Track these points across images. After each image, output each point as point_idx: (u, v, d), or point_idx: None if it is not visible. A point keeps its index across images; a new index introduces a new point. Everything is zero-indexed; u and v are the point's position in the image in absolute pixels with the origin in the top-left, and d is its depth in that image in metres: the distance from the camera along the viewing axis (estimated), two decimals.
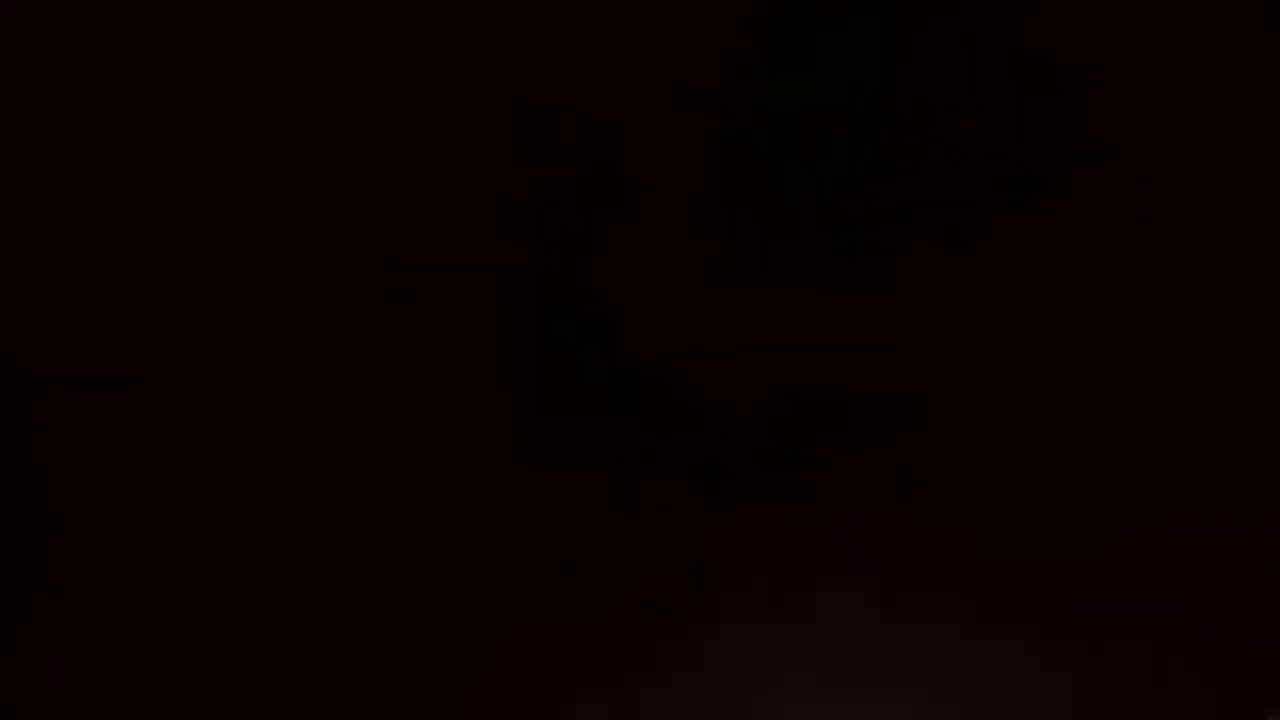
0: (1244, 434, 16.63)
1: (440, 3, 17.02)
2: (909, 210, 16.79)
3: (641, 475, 16.22)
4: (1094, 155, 17.08)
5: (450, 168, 16.95)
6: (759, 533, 16.17)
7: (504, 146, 16.78)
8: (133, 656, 16.16)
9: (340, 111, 17.08)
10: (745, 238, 16.69)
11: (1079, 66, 17.10)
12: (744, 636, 15.82)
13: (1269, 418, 16.68)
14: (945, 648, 16.15)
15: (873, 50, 16.89)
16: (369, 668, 16.13)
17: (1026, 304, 16.85)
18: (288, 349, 16.78)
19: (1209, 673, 16.15)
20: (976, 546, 16.34)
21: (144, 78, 17.16)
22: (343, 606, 16.24)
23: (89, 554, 16.35)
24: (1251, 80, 17.14)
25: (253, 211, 16.92)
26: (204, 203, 17.00)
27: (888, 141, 16.92)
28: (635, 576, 15.95)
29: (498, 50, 16.81)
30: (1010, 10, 17.08)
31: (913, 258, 16.79)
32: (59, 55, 17.13)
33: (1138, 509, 16.52)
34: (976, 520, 16.37)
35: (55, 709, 16.06)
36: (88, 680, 16.09)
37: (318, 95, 17.11)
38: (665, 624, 15.94)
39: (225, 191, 16.97)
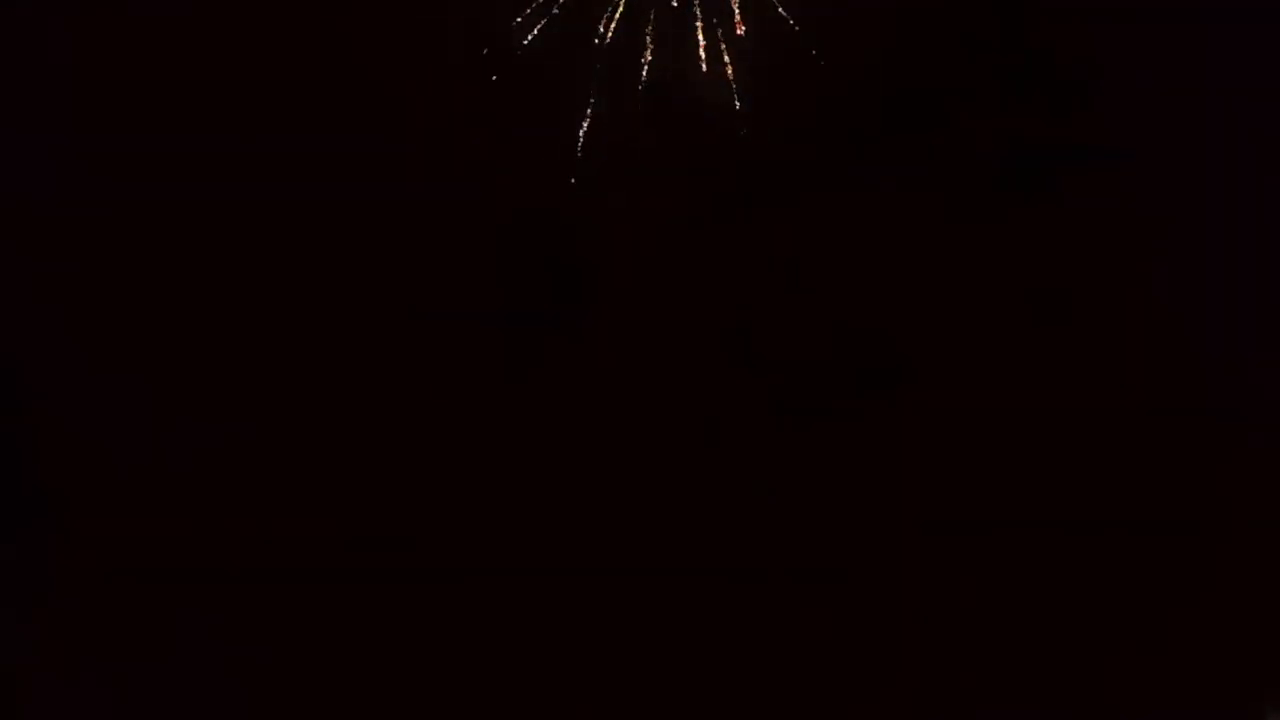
0: (1247, 429, 16.62)
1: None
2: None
3: None
4: (1095, 156, 17.09)
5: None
6: None
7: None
8: (133, 656, 16.15)
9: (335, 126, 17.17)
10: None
11: (1080, 66, 17.11)
12: None
13: (1270, 412, 16.68)
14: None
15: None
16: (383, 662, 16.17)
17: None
18: (284, 354, 16.80)
19: (1210, 672, 16.14)
20: (975, 543, 16.37)
21: (148, 86, 17.17)
22: (347, 619, 16.27)
23: (89, 554, 16.34)
24: (1253, 80, 17.14)
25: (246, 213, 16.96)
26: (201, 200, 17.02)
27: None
28: None
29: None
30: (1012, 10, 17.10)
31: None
32: (61, 60, 17.14)
33: (1137, 506, 16.52)
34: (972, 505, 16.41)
35: (56, 708, 16.05)
36: (88, 679, 16.09)
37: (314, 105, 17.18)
38: None
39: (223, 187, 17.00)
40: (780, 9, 16.90)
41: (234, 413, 16.69)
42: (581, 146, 16.96)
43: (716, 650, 16.23)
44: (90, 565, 16.29)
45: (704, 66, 16.88)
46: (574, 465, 16.61)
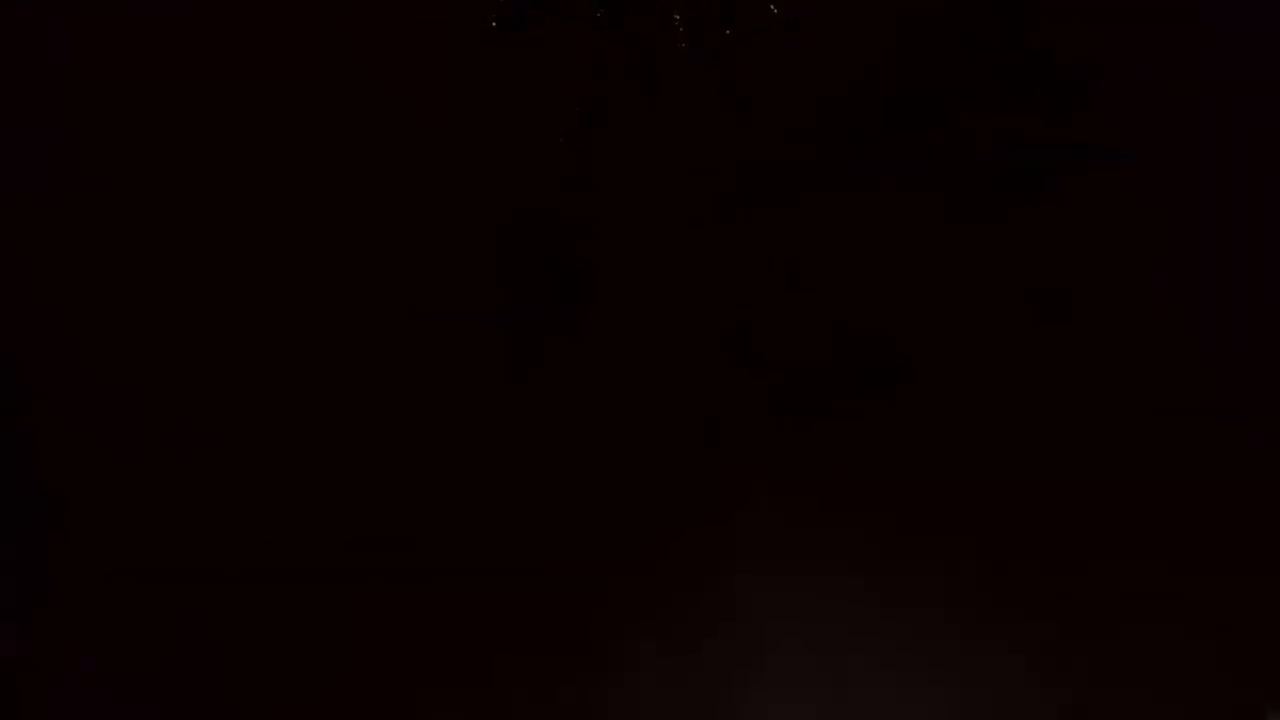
0: (1247, 429, 16.62)
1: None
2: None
3: None
4: (1095, 156, 17.08)
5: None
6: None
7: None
8: (133, 656, 16.14)
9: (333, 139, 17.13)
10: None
11: (1080, 66, 17.11)
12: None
13: (1269, 412, 16.67)
14: (943, 644, 16.18)
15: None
16: (387, 663, 16.16)
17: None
18: (285, 355, 16.79)
19: (1209, 672, 16.14)
20: (975, 544, 16.36)
21: (148, 86, 17.16)
22: (346, 614, 16.25)
23: (89, 554, 16.34)
24: (1253, 80, 17.13)
25: (248, 214, 16.95)
26: (202, 201, 17.01)
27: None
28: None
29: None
30: (1012, 10, 17.10)
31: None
32: (61, 60, 17.13)
33: (1139, 507, 16.51)
34: (976, 512, 16.39)
35: (56, 708, 16.05)
36: (88, 681, 16.08)
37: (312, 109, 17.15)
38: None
39: (225, 186, 16.99)
40: (775, 7, 16.90)
41: (234, 413, 16.71)
42: (580, 146, 16.95)
43: (716, 650, 16.22)
44: (90, 565, 16.30)
45: (699, 66, 16.86)
46: (574, 465, 16.62)
